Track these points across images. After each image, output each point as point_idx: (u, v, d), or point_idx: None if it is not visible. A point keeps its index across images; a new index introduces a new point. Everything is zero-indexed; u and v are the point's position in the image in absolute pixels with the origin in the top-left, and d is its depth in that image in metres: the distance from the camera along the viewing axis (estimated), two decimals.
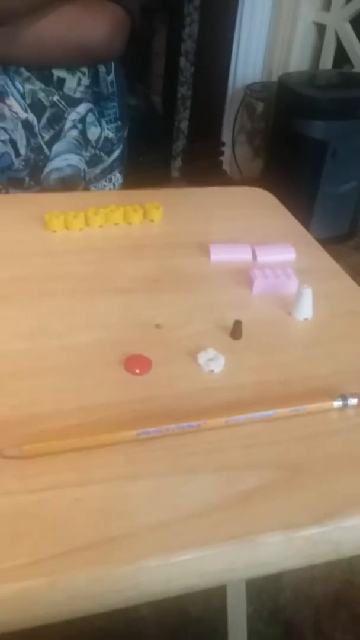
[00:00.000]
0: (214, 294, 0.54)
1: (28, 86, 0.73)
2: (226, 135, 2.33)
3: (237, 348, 0.47)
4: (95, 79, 0.78)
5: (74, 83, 0.75)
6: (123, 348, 0.46)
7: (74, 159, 0.80)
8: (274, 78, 2.30)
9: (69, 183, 0.81)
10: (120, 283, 0.54)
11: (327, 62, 2.22)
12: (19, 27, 0.67)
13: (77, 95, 0.76)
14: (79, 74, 0.76)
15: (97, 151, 0.82)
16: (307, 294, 0.50)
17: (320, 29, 2.23)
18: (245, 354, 0.47)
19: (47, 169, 0.78)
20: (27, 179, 0.78)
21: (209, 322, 0.50)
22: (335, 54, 2.20)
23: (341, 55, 2.18)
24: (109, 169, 0.86)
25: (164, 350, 0.47)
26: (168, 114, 2.17)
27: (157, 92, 2.13)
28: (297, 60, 2.29)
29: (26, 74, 0.72)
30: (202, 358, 0.45)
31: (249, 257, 0.59)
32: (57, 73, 0.74)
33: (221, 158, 2.36)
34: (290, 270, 0.55)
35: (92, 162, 0.82)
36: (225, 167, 2.40)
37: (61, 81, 0.74)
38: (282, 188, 2.24)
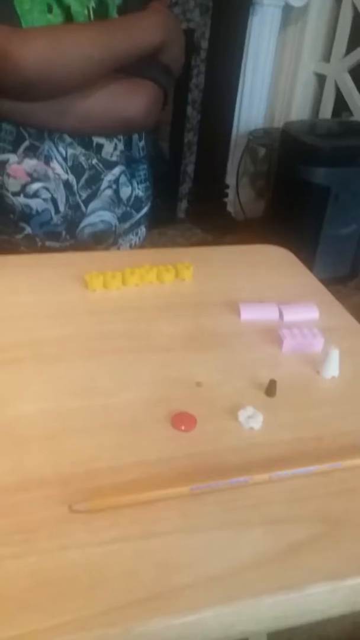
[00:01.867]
0: (247, 353, 0.58)
1: (70, 150, 0.79)
2: (230, 178, 2.42)
3: (272, 405, 0.51)
4: (128, 144, 0.85)
5: (111, 148, 0.82)
6: (168, 405, 0.51)
7: (107, 216, 0.86)
8: (276, 124, 2.40)
9: (101, 237, 0.86)
10: (159, 341, 0.59)
11: (327, 110, 2.32)
12: (68, 101, 0.75)
13: (113, 159, 0.83)
14: (115, 140, 0.82)
15: (128, 208, 0.88)
16: (334, 355, 0.55)
17: (321, 79, 2.34)
18: (281, 411, 0.51)
19: (82, 224, 0.84)
20: (63, 232, 0.83)
21: (244, 380, 0.54)
22: (335, 102, 2.30)
23: (340, 104, 2.28)
24: (137, 224, 0.91)
25: (206, 407, 0.51)
26: (175, 158, 2.25)
27: (164, 138, 2.21)
28: (298, 108, 2.40)
29: (69, 139, 0.78)
30: (242, 415, 0.49)
31: (276, 316, 0.64)
32: (96, 139, 0.80)
33: (225, 200, 2.43)
34: (315, 329, 0.60)
35: (123, 218, 0.88)
36: (230, 208, 2.47)
37: (100, 146, 0.81)
38: (285, 229, 2.32)
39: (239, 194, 2.47)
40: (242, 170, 2.44)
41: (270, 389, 0.52)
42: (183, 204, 2.39)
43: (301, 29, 2.29)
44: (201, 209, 2.37)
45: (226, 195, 2.43)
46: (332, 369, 0.55)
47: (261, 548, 0.39)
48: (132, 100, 0.79)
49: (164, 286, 0.68)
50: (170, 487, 0.42)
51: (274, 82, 2.37)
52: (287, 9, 2.20)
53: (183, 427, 0.48)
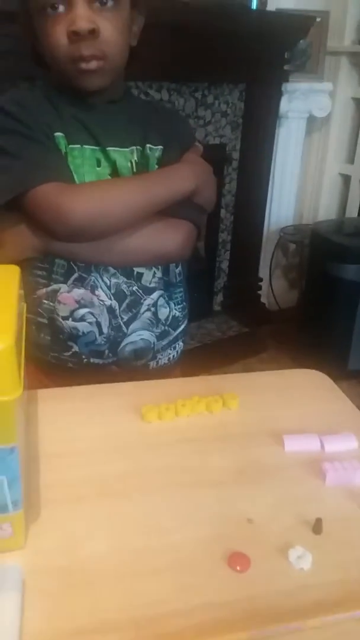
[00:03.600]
0: (292, 487, 0.63)
1: (113, 280, 0.88)
2: (263, 272, 2.53)
3: (320, 543, 0.56)
4: (166, 271, 0.94)
5: (150, 276, 0.91)
6: (223, 543, 0.55)
7: (146, 334, 0.94)
8: (305, 221, 2.53)
9: (141, 353, 0.94)
10: (211, 475, 0.64)
11: (353, 207, 2.45)
12: (111, 240, 0.85)
13: (152, 285, 0.92)
14: (154, 269, 0.92)
15: (166, 327, 0.96)
16: None
17: (346, 179, 2.48)
18: (328, 549, 0.55)
19: (123, 343, 0.92)
20: (106, 351, 0.92)
21: (292, 516, 0.59)
22: None
23: None
24: (174, 340, 0.99)
25: (257, 546, 0.55)
26: (210, 255, 2.38)
27: (200, 238, 2.35)
28: (326, 206, 2.53)
29: (112, 270, 0.88)
30: (292, 555, 0.54)
31: (318, 447, 0.69)
32: (137, 269, 0.90)
33: (259, 292, 2.53)
34: (356, 462, 0.65)
35: (161, 336, 0.96)
36: (263, 299, 2.56)
37: (140, 275, 0.91)
38: (319, 320, 2.36)
39: (272, 285, 2.58)
40: (274, 263, 2.55)
41: (317, 527, 0.57)
42: (219, 298, 2.49)
43: (325, 135, 2.46)
44: (236, 301, 2.47)
45: (260, 287, 2.53)
46: None
47: None
48: (168, 238, 0.89)
49: (213, 416, 0.74)
50: (231, 631, 0.47)
51: (301, 184, 2.52)
52: (311, 119, 2.38)
53: (238, 568, 0.53)
